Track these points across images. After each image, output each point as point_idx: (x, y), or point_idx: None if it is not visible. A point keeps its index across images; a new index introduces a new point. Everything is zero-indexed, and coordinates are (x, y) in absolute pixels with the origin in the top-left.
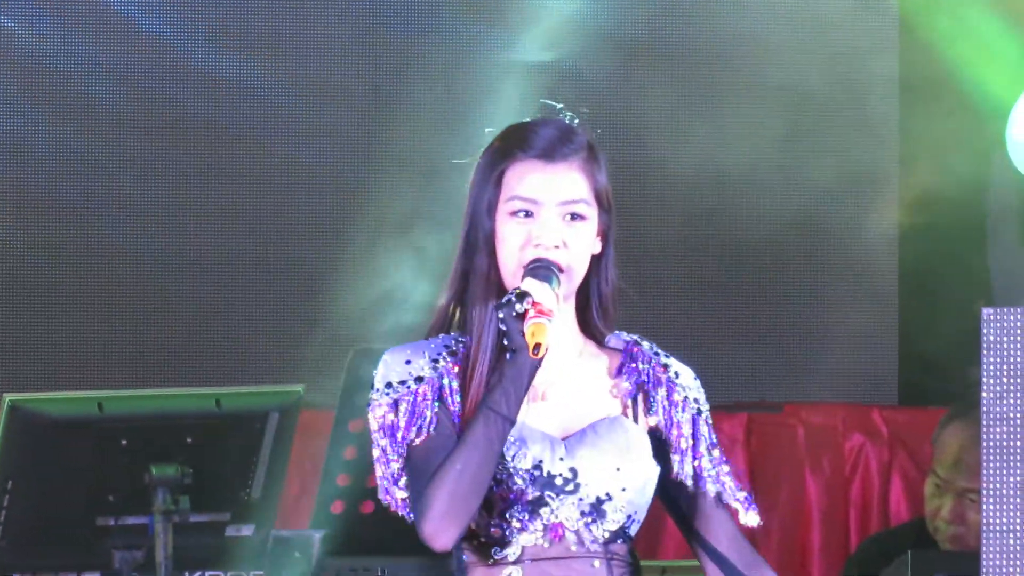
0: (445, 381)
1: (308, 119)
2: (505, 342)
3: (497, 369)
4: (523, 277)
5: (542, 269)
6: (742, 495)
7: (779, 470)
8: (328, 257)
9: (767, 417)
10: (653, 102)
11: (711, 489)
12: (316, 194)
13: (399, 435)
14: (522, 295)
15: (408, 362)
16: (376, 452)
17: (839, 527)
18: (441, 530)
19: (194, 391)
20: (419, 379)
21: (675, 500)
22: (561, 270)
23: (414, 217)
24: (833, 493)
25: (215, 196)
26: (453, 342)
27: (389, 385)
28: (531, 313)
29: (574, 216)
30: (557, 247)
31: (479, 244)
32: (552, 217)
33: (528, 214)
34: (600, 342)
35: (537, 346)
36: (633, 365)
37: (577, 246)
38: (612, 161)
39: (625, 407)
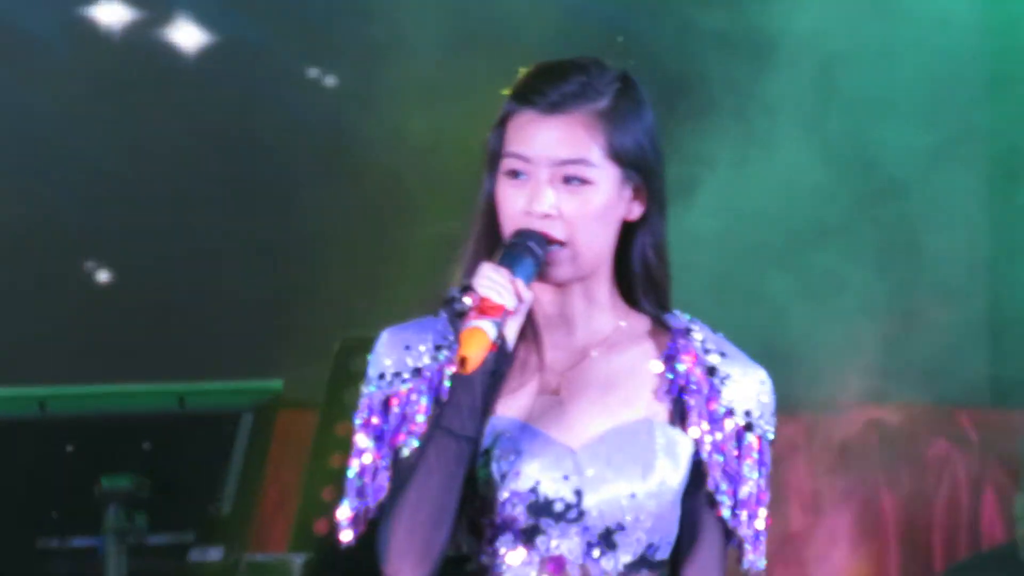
0: (447, 374)
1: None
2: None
3: (451, 378)
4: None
5: (519, 247)
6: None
7: (848, 482)
8: (310, 233)
9: (833, 419)
10: None
11: (730, 520)
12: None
13: (386, 442)
14: (467, 288)
15: (408, 347)
16: (352, 457)
17: (920, 551)
18: (402, 570)
19: (153, 387)
20: (416, 371)
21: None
22: (561, 244)
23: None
24: (913, 510)
25: (177, 169)
26: None
27: (382, 376)
28: (472, 310)
29: (569, 179)
30: (548, 215)
31: (483, 205)
32: (543, 180)
33: (520, 175)
34: (657, 320)
35: (463, 360)
36: (674, 361)
37: (578, 214)
38: None
39: (671, 412)
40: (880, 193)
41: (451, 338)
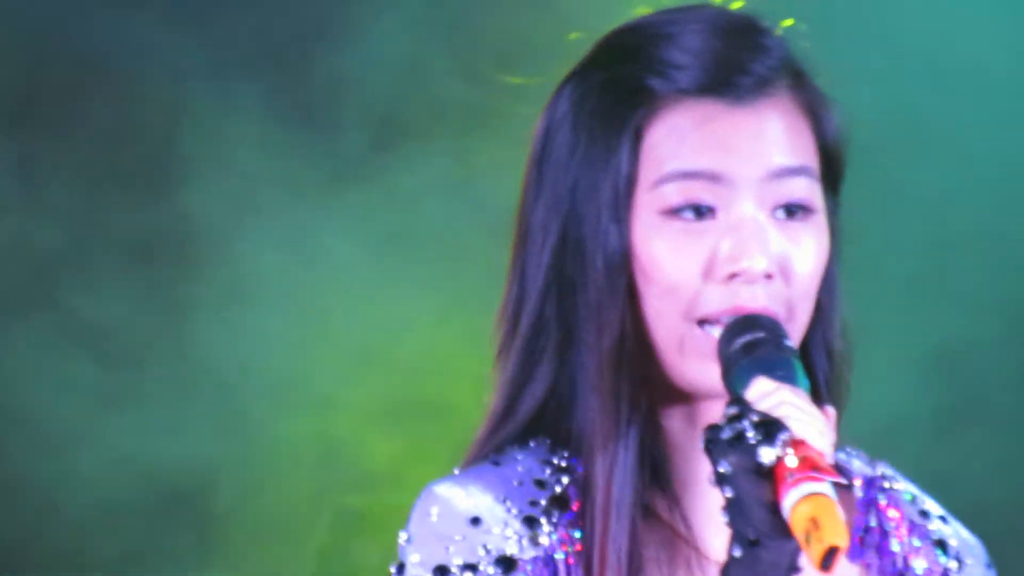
0: (558, 559)
1: None
2: (724, 517)
3: (728, 571)
4: (732, 365)
5: (769, 345)
6: None
7: None
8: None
9: None
10: None
11: None
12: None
13: None
14: (769, 426)
15: (476, 521)
16: None
17: None
18: None
19: None
20: (507, 563)
21: None
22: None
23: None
24: None
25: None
26: (548, 470)
27: (443, 571)
28: (790, 462)
29: (792, 209)
30: (770, 276)
31: (595, 276)
32: (751, 208)
33: (704, 210)
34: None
35: (831, 552)
36: (878, 530)
37: (805, 268)
38: None
39: None
40: None
41: (543, 502)
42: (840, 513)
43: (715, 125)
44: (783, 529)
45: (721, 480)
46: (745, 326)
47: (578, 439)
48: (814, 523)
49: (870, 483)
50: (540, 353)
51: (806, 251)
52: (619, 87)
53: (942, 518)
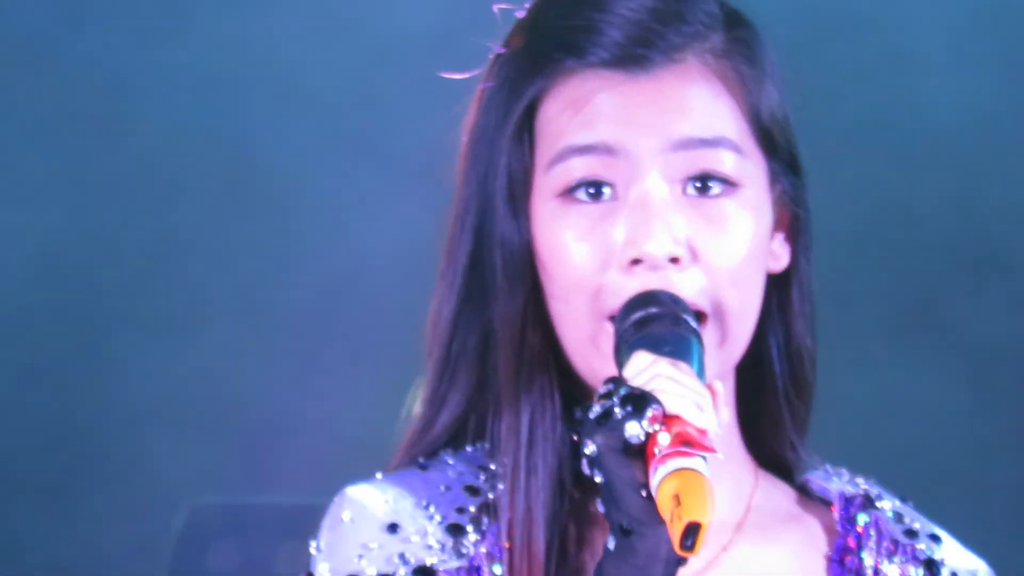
0: (483, 570)
1: None
2: (600, 507)
3: (602, 566)
4: (622, 344)
5: (664, 321)
6: None
7: None
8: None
9: None
10: None
11: None
12: None
13: None
14: (637, 400)
15: (393, 527)
16: None
17: None
18: None
19: None
20: (424, 573)
21: None
22: (700, 315)
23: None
24: None
25: None
26: (483, 475)
27: None
28: (662, 439)
29: (706, 182)
30: (676, 260)
31: (494, 270)
32: (657, 183)
33: (603, 189)
34: (790, 478)
35: (692, 529)
36: (856, 553)
37: (724, 250)
38: None
39: None
40: None
41: (472, 508)
42: (709, 488)
43: (610, 95)
44: (658, 514)
45: (590, 463)
46: (639, 303)
47: (498, 450)
48: (676, 500)
49: (849, 501)
50: (458, 359)
51: (728, 230)
52: (520, 61)
53: (933, 536)
